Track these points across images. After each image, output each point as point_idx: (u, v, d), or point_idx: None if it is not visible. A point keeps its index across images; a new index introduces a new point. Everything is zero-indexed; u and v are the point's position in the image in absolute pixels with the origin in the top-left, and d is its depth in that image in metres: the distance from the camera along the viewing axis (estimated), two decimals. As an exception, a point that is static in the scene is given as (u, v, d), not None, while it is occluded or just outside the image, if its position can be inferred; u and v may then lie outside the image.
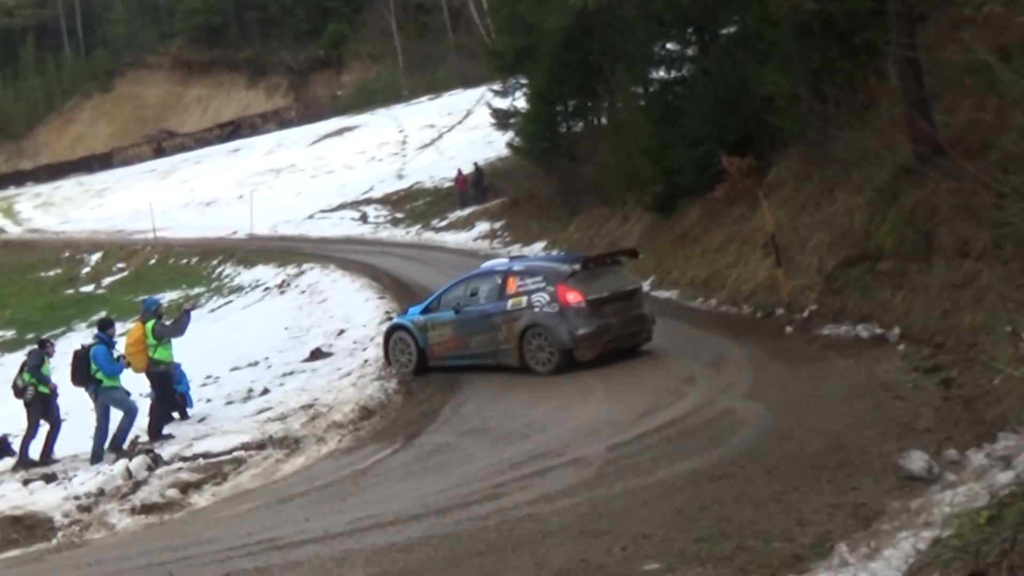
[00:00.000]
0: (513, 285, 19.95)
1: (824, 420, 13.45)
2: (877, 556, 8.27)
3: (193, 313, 19.60)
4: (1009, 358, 11.66)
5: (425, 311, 21.20)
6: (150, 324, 18.65)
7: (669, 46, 30.33)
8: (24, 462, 17.75)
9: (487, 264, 22.23)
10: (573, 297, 19.13)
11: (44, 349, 18.89)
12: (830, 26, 22.72)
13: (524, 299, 19.62)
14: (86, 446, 17.84)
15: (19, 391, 18.29)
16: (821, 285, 20.44)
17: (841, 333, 18.20)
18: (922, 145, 17.79)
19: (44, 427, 18.30)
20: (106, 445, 17.44)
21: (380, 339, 22.98)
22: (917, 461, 10.69)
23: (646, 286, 23.99)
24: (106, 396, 17.85)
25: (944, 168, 15.85)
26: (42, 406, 18.22)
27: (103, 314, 21.94)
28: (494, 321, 19.88)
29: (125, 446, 17.31)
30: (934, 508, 9.26)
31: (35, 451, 18.06)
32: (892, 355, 16.44)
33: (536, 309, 19.40)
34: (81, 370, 18.03)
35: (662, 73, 30.95)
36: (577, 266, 19.76)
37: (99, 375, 17.86)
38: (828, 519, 9.75)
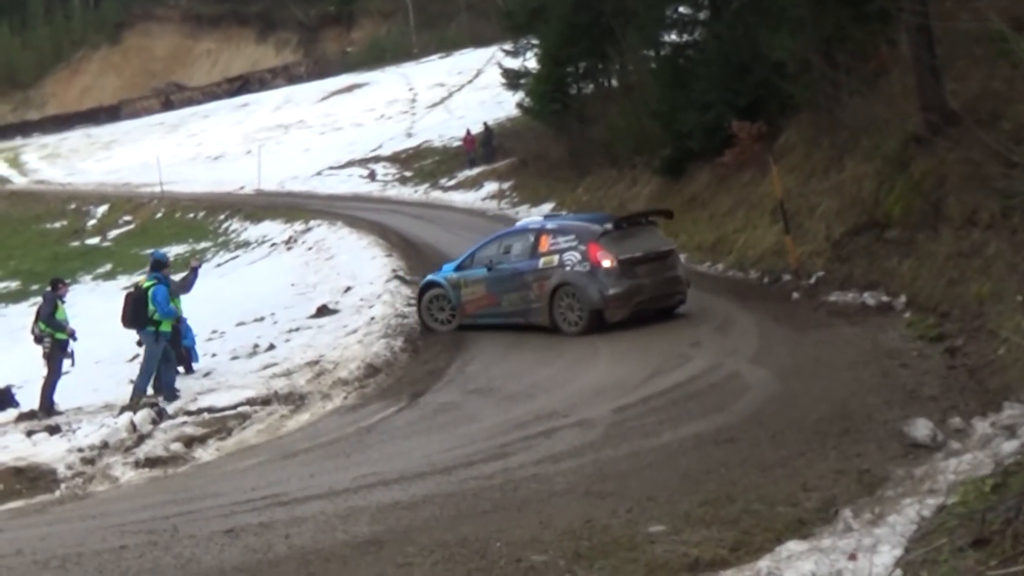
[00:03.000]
0: (546, 243, 19.78)
1: (829, 386, 13.51)
2: (881, 522, 8.34)
3: (200, 269, 19.34)
4: (1015, 328, 11.71)
5: (459, 268, 21.04)
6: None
7: (681, 9, 30.29)
8: (47, 408, 17.39)
9: (522, 221, 22.06)
10: (604, 256, 18.97)
11: (56, 292, 18.19)
12: (843, -8, 22.64)
13: (556, 258, 19.45)
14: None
15: (37, 339, 17.90)
16: (829, 252, 20.49)
17: (848, 300, 18.24)
18: (932, 114, 17.78)
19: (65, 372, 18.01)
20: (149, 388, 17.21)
21: (386, 296, 23.04)
22: (922, 429, 10.75)
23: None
24: (160, 340, 17.49)
25: (954, 137, 15.84)
26: (61, 353, 17.80)
27: (152, 252, 20.96)
28: (526, 279, 19.74)
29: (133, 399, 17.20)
30: (938, 476, 9.32)
31: (57, 397, 17.69)
32: (898, 323, 16.49)
33: (567, 268, 19.24)
34: (137, 311, 17.53)
35: (673, 36, 30.92)
36: (609, 225, 19.55)
37: (156, 316, 17.45)
38: (833, 485, 9.81)
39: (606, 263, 18.91)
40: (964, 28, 16.44)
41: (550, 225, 20.46)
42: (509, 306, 20.02)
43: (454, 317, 20.78)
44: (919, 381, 13.18)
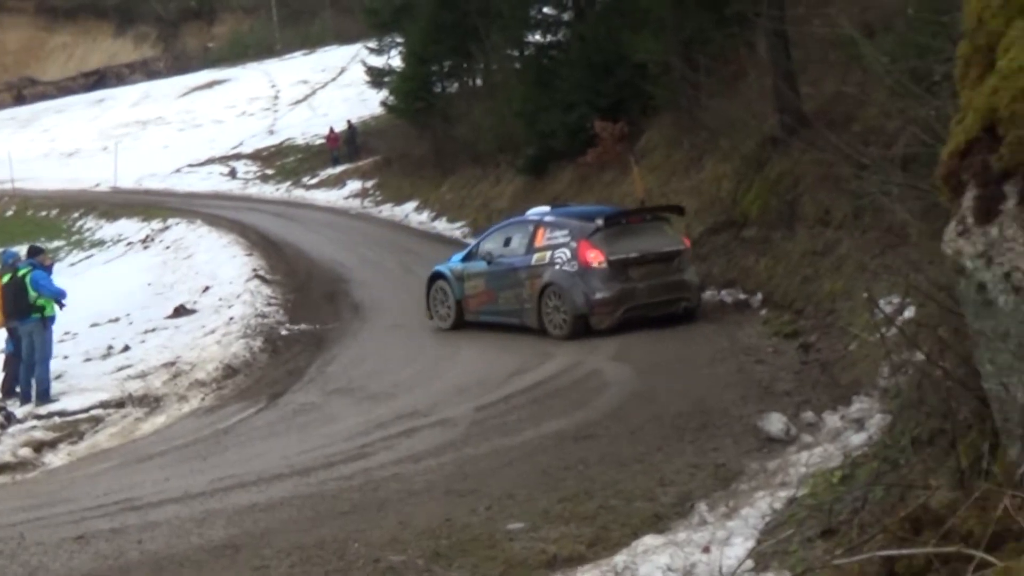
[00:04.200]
0: (542, 237, 18.22)
1: (688, 383, 13.69)
2: (735, 515, 8.48)
3: (54, 267, 18.80)
4: (864, 324, 12.00)
5: (465, 259, 19.60)
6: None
7: (545, 10, 30.50)
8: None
9: (532, 210, 20.01)
10: (594, 256, 17.31)
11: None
12: (703, -4, 23.02)
13: (548, 254, 17.89)
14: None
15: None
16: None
17: (706, 298, 18.50)
18: (788, 116, 18.16)
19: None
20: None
21: (246, 296, 22.73)
22: (775, 423, 10.97)
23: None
24: (48, 325, 16.83)
25: (808, 139, 16.21)
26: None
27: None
28: (519, 276, 18.24)
29: None
30: (790, 468, 9.51)
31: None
32: (754, 320, 16.83)
33: (556, 266, 17.66)
34: (18, 300, 16.78)
35: (538, 37, 31.13)
36: (600, 221, 17.81)
37: (41, 302, 16.73)
38: (689, 479, 9.94)
39: (595, 263, 17.31)
40: (818, 33, 16.81)
41: (548, 217, 18.78)
42: (505, 304, 18.59)
43: (450, 313, 19.43)
44: (774, 377, 13.45)
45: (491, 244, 19.29)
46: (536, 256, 18.05)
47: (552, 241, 17.97)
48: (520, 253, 18.40)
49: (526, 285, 18.07)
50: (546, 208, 19.80)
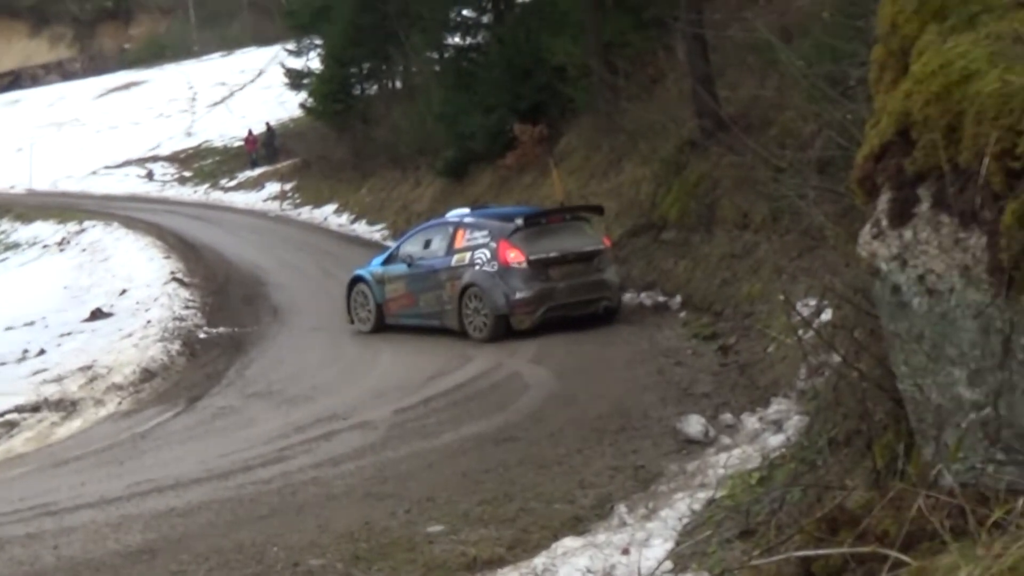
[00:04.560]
0: (462, 239, 18.13)
1: (607, 385, 13.76)
2: (654, 516, 8.52)
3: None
4: (782, 327, 12.11)
5: (385, 262, 19.44)
6: None
7: (465, 12, 30.45)
8: None
9: (452, 212, 19.98)
10: (513, 256, 17.23)
11: None
12: (622, 0, 23.15)
13: (468, 255, 17.79)
14: None
15: None
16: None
17: (626, 300, 18.56)
18: (706, 119, 18.30)
19: None
20: None
21: (164, 299, 22.45)
22: (694, 425, 11.05)
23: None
24: None
25: (726, 142, 16.35)
26: None
27: None
28: (440, 278, 18.12)
29: None
30: (709, 470, 9.59)
31: None
32: (674, 322, 16.92)
33: (476, 267, 17.55)
34: None
35: (457, 39, 31.02)
36: (520, 221, 17.77)
37: None
38: (609, 481, 9.99)
39: (514, 263, 17.24)
40: (736, 38, 16.97)
41: (468, 219, 18.75)
42: (426, 306, 18.43)
43: (370, 317, 19.28)
44: (693, 379, 13.54)
45: (411, 247, 19.17)
46: (456, 257, 17.98)
47: (472, 242, 17.89)
48: (440, 255, 18.30)
49: (446, 287, 17.98)
50: (466, 210, 19.79)
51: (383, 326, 19.13)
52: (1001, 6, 4.86)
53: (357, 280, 19.71)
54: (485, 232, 17.87)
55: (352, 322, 19.66)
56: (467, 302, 17.63)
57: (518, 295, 17.12)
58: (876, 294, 5.14)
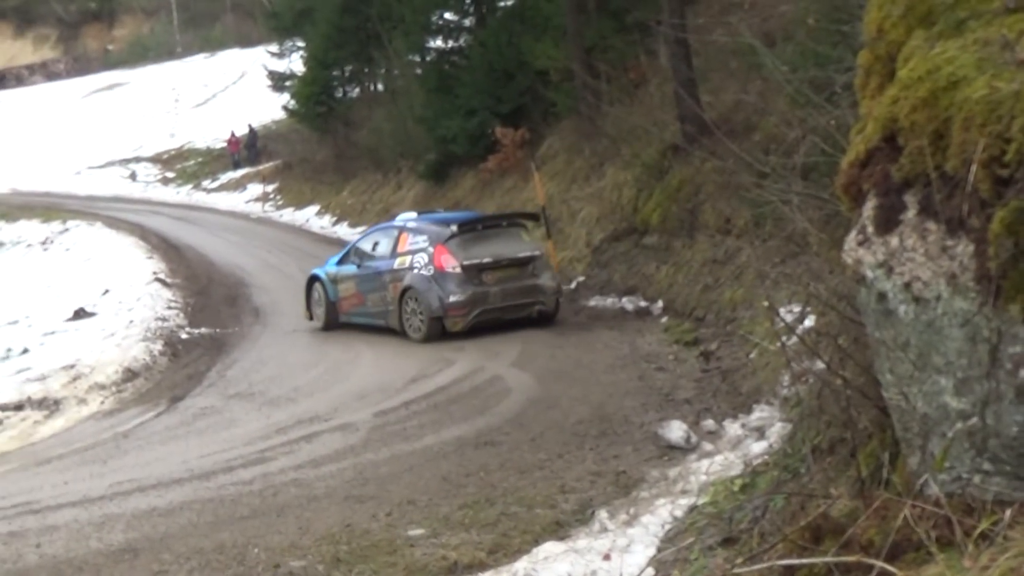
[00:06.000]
0: (405, 242, 18.95)
1: (588, 390, 13.72)
2: (635, 522, 8.49)
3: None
4: (765, 332, 12.10)
5: (339, 262, 20.38)
6: None
7: (447, 15, 30.45)
8: None
9: (400, 216, 20.83)
10: (448, 261, 18.05)
11: None
12: (604, 4, 23.20)
13: (409, 259, 18.61)
14: None
15: None
16: (589, 257, 20.86)
17: (607, 305, 18.58)
18: (689, 124, 18.29)
19: None
20: None
21: (146, 299, 22.41)
22: (676, 431, 11.02)
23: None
24: None
25: (709, 147, 16.33)
26: None
27: None
28: (384, 280, 18.99)
29: None
30: (691, 476, 9.56)
31: None
32: (655, 327, 16.92)
33: (415, 271, 18.38)
34: None
35: (439, 42, 31.03)
36: (454, 227, 18.50)
37: None
38: (590, 486, 9.97)
39: (449, 268, 18.01)
40: (719, 42, 16.96)
41: (411, 223, 19.50)
42: (373, 306, 19.32)
43: (325, 313, 20.28)
44: (675, 384, 13.54)
45: (361, 248, 20.15)
46: (398, 260, 18.82)
47: (413, 246, 18.71)
48: (386, 257, 19.20)
49: (389, 288, 18.83)
50: (413, 214, 20.63)
51: (336, 324, 20.11)
52: (989, 12, 4.83)
53: (314, 279, 20.72)
54: (424, 237, 18.65)
55: (311, 319, 20.63)
56: (406, 304, 18.47)
57: (451, 299, 17.89)
58: (861, 301, 5.11)
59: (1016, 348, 4.14)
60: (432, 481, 10.60)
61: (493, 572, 8.10)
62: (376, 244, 19.75)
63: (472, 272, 17.95)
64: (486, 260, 18.09)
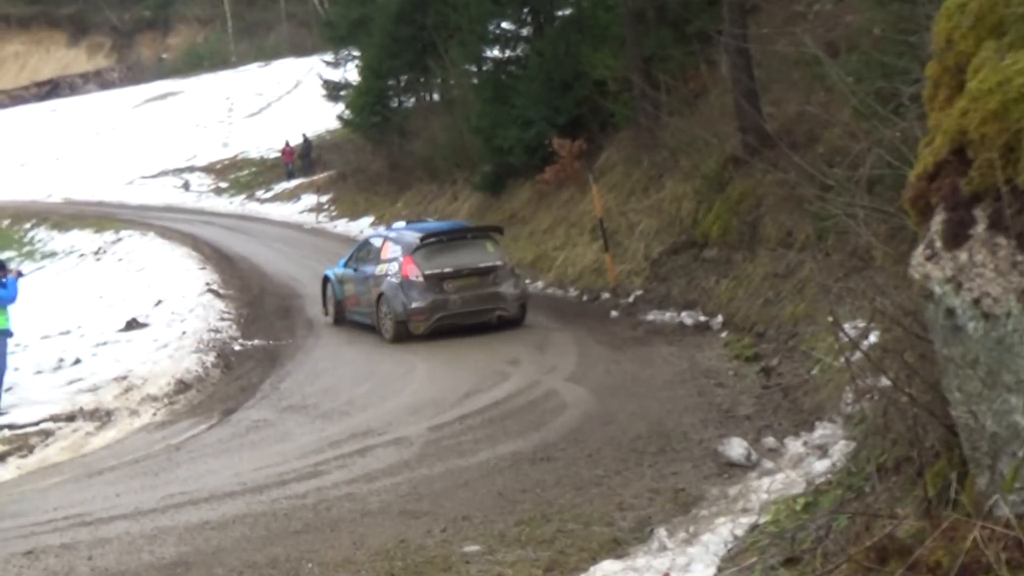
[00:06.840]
0: (386, 251, 20.51)
1: (646, 405, 13.58)
2: (695, 541, 8.35)
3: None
4: (827, 348, 11.93)
5: (346, 264, 21.98)
6: None
7: (504, 25, 30.39)
8: None
9: (396, 225, 22.87)
10: (412, 270, 19.47)
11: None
12: (664, 13, 23.06)
13: (386, 266, 20.14)
14: None
15: None
16: (647, 271, 20.71)
17: (665, 319, 18.43)
18: (750, 135, 18.13)
19: None
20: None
21: (199, 310, 22.57)
22: (736, 448, 10.86)
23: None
24: (3, 339, 16.42)
25: (770, 159, 16.16)
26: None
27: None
28: (369, 284, 20.53)
29: None
30: (752, 495, 9.40)
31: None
32: (715, 342, 16.74)
33: (388, 278, 19.89)
34: None
35: (496, 52, 30.98)
36: (417, 239, 19.96)
37: None
38: (648, 504, 9.84)
39: (413, 276, 19.44)
40: (782, 52, 16.79)
41: (392, 233, 21.38)
42: (364, 307, 20.81)
43: (333, 311, 21.97)
44: (734, 400, 13.36)
45: (359, 253, 21.87)
46: (379, 267, 20.40)
47: (391, 255, 20.29)
48: (372, 263, 20.79)
49: (372, 292, 20.41)
50: (403, 223, 22.57)
51: (343, 320, 21.74)
52: (1063, 22, 4.71)
53: (327, 279, 22.48)
54: (399, 247, 20.21)
55: (326, 314, 22.38)
56: (381, 307, 20.08)
57: (414, 304, 19.41)
58: (929, 317, 5.00)
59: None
60: (487, 497, 10.52)
61: (550, 590, 8.01)
62: (369, 250, 21.45)
63: (434, 281, 19.42)
64: (447, 270, 19.55)
